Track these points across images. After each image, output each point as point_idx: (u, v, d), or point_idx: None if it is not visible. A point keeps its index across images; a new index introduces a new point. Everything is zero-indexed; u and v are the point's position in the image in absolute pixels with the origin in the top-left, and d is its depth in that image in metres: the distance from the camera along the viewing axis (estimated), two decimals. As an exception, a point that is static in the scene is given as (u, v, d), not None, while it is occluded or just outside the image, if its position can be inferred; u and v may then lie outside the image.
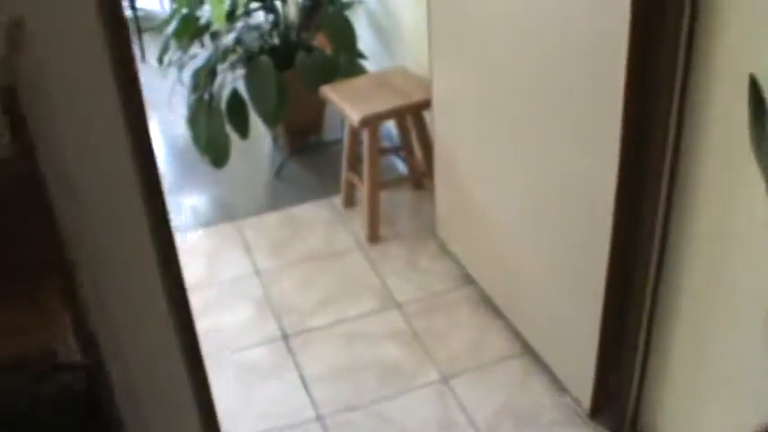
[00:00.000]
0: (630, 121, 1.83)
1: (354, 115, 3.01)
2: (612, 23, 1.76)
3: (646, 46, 1.74)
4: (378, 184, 3.18)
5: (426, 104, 2.98)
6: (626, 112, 1.82)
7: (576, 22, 1.94)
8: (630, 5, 1.70)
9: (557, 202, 2.23)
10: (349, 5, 3.72)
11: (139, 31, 5.15)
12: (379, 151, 3.16)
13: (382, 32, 3.71)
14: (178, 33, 3.63)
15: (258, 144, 3.92)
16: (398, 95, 3.11)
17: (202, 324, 2.10)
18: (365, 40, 3.84)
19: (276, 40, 3.72)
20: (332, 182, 3.56)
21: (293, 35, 3.75)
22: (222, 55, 3.45)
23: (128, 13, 5.69)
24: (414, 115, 3.20)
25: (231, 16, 3.49)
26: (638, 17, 1.71)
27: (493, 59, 2.38)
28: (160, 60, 3.66)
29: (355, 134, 3.23)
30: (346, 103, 3.09)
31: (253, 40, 3.66)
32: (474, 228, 2.81)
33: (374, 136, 3.07)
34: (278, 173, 3.79)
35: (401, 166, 3.64)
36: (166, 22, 3.67)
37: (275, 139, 3.99)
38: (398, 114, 3.23)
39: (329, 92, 3.20)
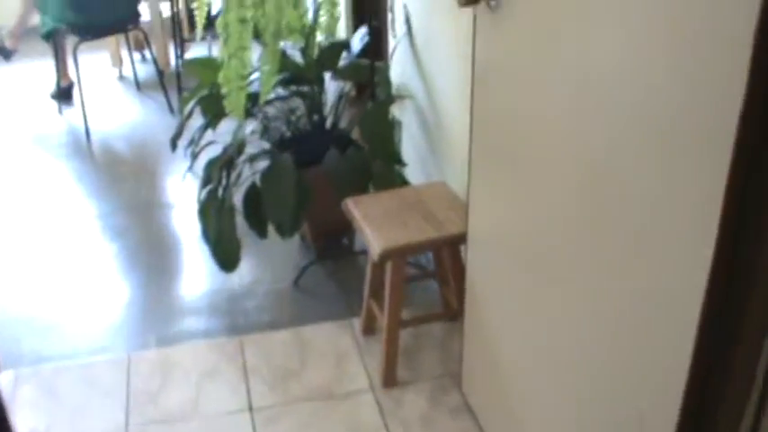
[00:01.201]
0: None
1: (376, 245, 2.55)
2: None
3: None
4: (398, 323, 2.71)
5: (462, 239, 2.51)
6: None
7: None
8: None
9: (606, 368, 1.74)
10: (394, 99, 3.29)
11: (180, 89, 4.82)
12: (405, 280, 2.69)
13: (429, 136, 3.26)
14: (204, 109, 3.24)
15: (281, 243, 3.48)
16: (432, 223, 2.64)
17: None
18: (410, 142, 3.40)
19: (308, 128, 3.30)
20: (357, 298, 3.10)
21: (329, 125, 3.33)
22: (238, 147, 3.03)
23: (173, 64, 5.37)
24: (449, 249, 2.73)
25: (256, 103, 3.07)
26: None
27: (541, 180, 1.89)
28: (173, 144, 3.26)
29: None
30: (369, 227, 2.63)
31: (278, 130, 3.25)
32: (502, 390, 2.31)
33: (398, 271, 2.61)
34: (297, 280, 3.34)
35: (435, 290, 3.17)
36: (187, 100, 3.28)
37: (302, 238, 3.56)
38: (429, 248, 2.76)
39: (353, 207, 2.75)
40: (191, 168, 3.32)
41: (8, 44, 5.42)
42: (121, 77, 5.92)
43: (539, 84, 1.81)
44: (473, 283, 2.44)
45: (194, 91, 3.28)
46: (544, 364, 2.02)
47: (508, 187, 2.08)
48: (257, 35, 2.87)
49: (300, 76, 3.23)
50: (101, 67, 6.02)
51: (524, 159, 1.95)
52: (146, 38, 5.39)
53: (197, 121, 3.30)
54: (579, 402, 1.85)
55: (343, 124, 3.45)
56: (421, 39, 3.24)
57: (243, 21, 2.79)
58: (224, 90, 2.85)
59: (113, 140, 4.94)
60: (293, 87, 3.29)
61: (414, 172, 3.37)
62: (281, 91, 3.31)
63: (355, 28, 3.18)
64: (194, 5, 2.84)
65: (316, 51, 3.28)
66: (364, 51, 3.34)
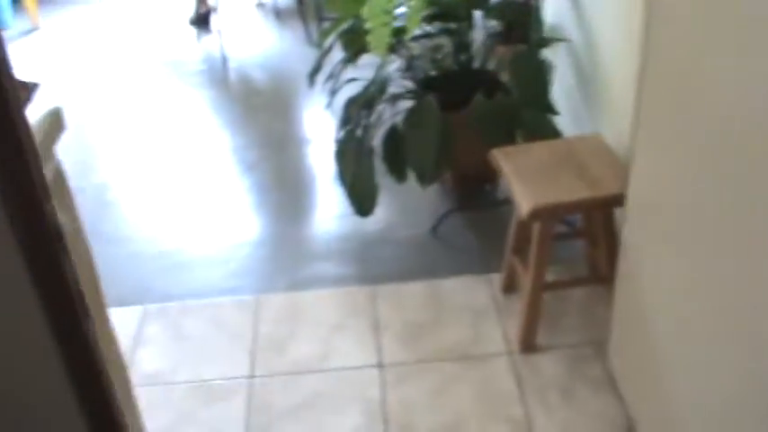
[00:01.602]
0: None
1: (525, 203, 2.35)
2: None
3: None
4: (542, 285, 2.51)
5: (620, 200, 2.27)
6: None
7: None
8: None
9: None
10: (548, 42, 3.03)
11: (320, 20, 4.67)
12: (552, 240, 2.48)
13: (584, 83, 3.00)
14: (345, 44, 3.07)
15: (419, 188, 3.29)
16: (587, 181, 2.41)
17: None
18: (562, 88, 3.15)
19: (454, 68, 3.09)
20: (497, 252, 2.91)
21: (476, 65, 3.11)
22: (380, 86, 2.85)
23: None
24: (601, 211, 2.50)
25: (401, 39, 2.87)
26: None
27: (719, 146, 1.65)
28: (311, 80, 3.10)
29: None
30: (518, 182, 2.43)
31: (422, 69, 3.05)
32: (658, 378, 2.10)
33: (546, 231, 2.40)
34: (435, 228, 3.17)
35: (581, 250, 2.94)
36: (327, 33, 3.10)
37: (442, 184, 3.37)
38: (583, 209, 2.54)
39: (501, 159, 2.55)
40: (329, 105, 3.16)
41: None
42: (261, 4, 5.80)
43: (732, 35, 1.55)
44: (629, 248, 2.21)
45: (335, 24, 3.10)
46: (703, 344, 1.79)
47: (680, 149, 1.83)
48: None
49: (448, 13, 3.01)
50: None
51: (702, 120, 1.70)
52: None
53: (337, 54, 3.13)
54: (738, 384, 1.62)
55: (491, 66, 3.23)
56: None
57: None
58: (368, 25, 2.67)
59: (250, 70, 4.84)
60: (440, 24, 3.07)
61: (566, 122, 3.13)
62: (427, 27, 3.10)
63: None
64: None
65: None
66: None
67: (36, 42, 5.50)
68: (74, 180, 1.64)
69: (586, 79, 2.95)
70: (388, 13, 2.66)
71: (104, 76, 4.90)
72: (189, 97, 4.52)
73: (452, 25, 3.05)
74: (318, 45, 3.22)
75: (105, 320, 1.72)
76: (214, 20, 5.29)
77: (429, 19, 3.03)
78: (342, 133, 2.95)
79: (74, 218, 1.60)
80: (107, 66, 5.03)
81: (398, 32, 2.80)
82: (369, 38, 2.69)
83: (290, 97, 4.45)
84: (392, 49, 2.92)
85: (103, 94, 4.63)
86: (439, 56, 3.14)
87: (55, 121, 1.47)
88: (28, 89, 1.47)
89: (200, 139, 4.03)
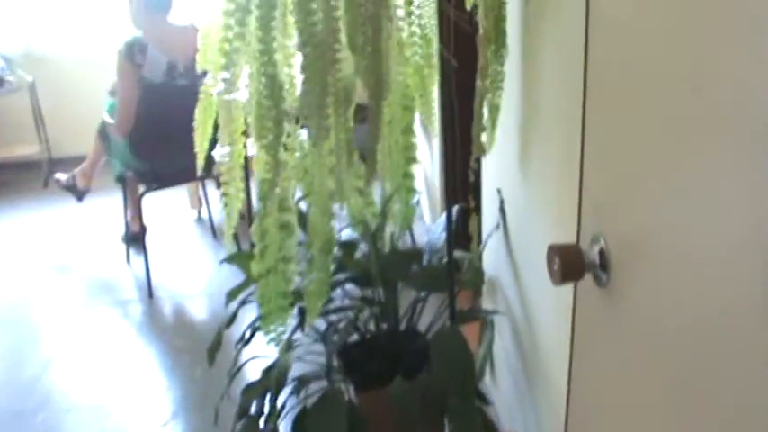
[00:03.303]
0: None
1: None
2: None
3: None
4: None
5: None
6: None
7: None
8: None
9: None
10: (477, 317, 2.64)
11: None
12: None
13: (523, 362, 2.58)
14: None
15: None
16: None
17: None
18: (502, 363, 2.74)
19: (379, 332, 2.69)
20: None
21: (403, 326, 2.72)
22: (277, 379, 2.42)
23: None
24: None
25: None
26: None
27: None
28: (210, 358, 2.67)
29: None
30: None
31: (341, 335, 2.65)
32: None
33: None
34: None
35: None
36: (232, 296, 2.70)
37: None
38: None
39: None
40: (226, 393, 2.67)
41: (80, 184, 5.01)
42: (199, 219, 5.46)
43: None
44: None
45: (239, 287, 2.71)
46: None
47: None
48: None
49: (365, 280, 2.63)
50: (178, 208, 5.59)
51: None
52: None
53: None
54: None
55: (421, 327, 2.82)
56: (516, 235, 2.60)
57: (285, 227, 2.21)
58: (261, 310, 2.26)
59: (177, 302, 4.42)
60: (357, 288, 2.69)
61: (509, 411, 2.69)
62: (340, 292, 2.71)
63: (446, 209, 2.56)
64: (222, 205, 2.27)
65: (387, 246, 2.68)
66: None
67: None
68: None
69: (526, 359, 2.54)
70: (286, 295, 2.26)
71: (21, 289, 4.53)
72: (108, 328, 4.10)
73: (369, 292, 2.66)
74: (226, 303, 2.81)
75: None
76: (147, 238, 4.93)
77: (341, 283, 2.65)
78: (240, 426, 2.50)
79: None
80: (26, 278, 4.67)
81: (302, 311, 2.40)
82: (261, 323, 2.28)
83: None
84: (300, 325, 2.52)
85: (17, 307, 4.23)
86: (359, 321, 2.73)
87: None
88: None
89: (109, 381, 3.58)
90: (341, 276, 2.65)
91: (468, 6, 2.23)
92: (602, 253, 1.32)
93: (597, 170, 1.38)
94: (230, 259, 2.64)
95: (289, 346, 2.48)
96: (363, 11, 1.91)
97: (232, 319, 2.71)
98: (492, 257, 2.88)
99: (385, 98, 2.10)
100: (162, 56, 4.09)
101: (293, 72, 2.10)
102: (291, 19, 2.03)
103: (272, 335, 2.30)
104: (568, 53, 1.85)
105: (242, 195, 2.27)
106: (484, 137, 2.33)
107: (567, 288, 1.51)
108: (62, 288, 4.60)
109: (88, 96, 5.52)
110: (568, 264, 1.35)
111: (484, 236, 2.92)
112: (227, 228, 2.26)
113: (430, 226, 2.79)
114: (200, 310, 4.35)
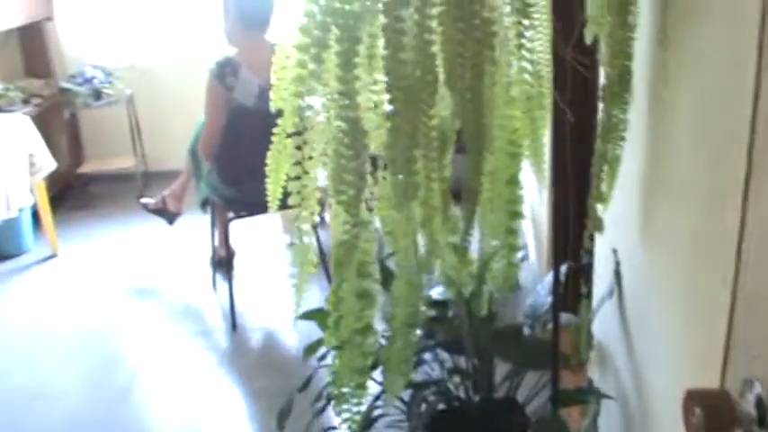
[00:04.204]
0: None
1: None
2: None
3: None
4: None
5: None
6: None
7: None
8: None
9: None
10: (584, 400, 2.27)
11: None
12: None
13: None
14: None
15: None
16: None
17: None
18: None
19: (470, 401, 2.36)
20: None
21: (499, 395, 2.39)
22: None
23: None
24: None
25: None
26: None
27: None
28: (280, 425, 2.38)
29: None
30: None
31: (429, 404, 2.34)
32: None
33: None
34: None
35: None
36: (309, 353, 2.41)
37: None
38: None
39: None
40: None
41: (171, 206, 4.81)
42: (292, 245, 5.20)
43: None
44: None
45: (318, 342, 2.41)
46: None
47: None
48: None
49: (456, 347, 2.30)
50: (270, 232, 5.36)
51: None
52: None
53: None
54: None
55: (520, 397, 2.48)
56: (633, 304, 2.23)
57: (364, 295, 1.90)
58: (333, 390, 1.96)
59: (262, 336, 4.17)
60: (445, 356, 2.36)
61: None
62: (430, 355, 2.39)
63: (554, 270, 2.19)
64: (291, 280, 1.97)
65: (484, 309, 2.35)
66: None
67: (53, 270, 5.08)
68: None
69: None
70: (363, 372, 1.95)
71: (103, 310, 4.44)
72: (185, 360, 3.89)
73: (462, 360, 2.34)
74: (304, 358, 2.52)
75: None
76: (237, 264, 4.71)
77: (431, 348, 2.33)
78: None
79: None
80: (109, 299, 4.55)
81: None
82: (334, 405, 1.98)
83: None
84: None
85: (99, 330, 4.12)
86: (448, 387, 2.41)
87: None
88: None
89: (179, 418, 3.36)
90: (430, 342, 2.33)
91: (589, 40, 1.86)
92: (759, 403, 0.98)
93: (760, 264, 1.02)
94: (306, 316, 2.34)
95: (367, 424, 2.17)
96: (462, 50, 1.57)
97: (307, 383, 2.41)
98: (602, 324, 2.50)
99: (486, 148, 1.77)
100: (255, 78, 3.84)
101: (379, 117, 1.78)
102: (378, 51, 1.71)
103: (347, 414, 2.00)
104: (716, 101, 1.49)
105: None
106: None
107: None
108: (144, 313, 4.42)
109: (187, 111, 5.33)
110: (712, 415, 1.00)
111: (594, 299, 2.55)
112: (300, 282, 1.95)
113: (535, 285, 2.44)
114: (286, 346, 4.08)
